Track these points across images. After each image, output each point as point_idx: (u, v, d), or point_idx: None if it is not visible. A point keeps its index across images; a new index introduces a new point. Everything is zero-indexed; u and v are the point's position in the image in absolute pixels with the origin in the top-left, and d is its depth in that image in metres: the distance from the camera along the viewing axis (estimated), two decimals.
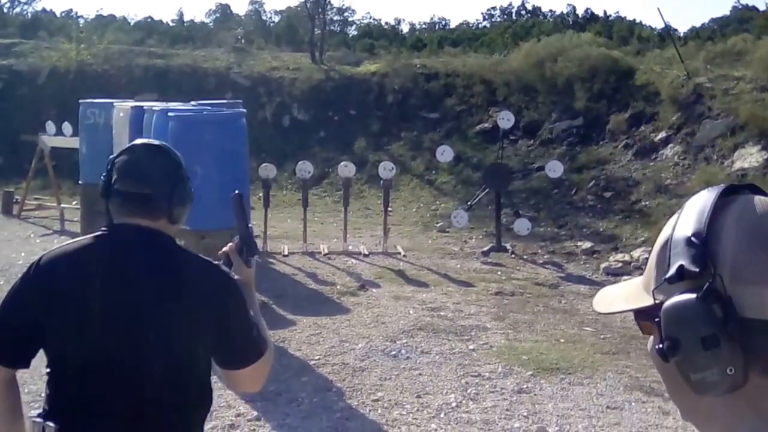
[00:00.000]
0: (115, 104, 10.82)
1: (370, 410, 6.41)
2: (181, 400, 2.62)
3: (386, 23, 34.43)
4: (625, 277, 10.94)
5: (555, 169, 12.93)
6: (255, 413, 6.31)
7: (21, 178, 16.44)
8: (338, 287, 10.25)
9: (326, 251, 12.12)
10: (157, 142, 2.84)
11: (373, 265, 11.43)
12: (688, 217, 1.16)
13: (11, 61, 21.50)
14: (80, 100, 11.92)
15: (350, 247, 12.34)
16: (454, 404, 6.51)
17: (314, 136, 18.76)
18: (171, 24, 34.78)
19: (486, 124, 17.62)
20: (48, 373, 2.77)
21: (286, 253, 12.01)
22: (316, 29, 23.14)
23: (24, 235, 13.33)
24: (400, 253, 12.11)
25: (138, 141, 2.87)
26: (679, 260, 1.12)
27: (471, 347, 7.91)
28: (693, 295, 1.09)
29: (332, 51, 23.97)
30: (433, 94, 18.94)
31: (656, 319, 1.14)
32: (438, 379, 7.05)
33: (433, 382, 6.99)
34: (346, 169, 12.68)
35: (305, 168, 12.69)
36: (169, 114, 8.32)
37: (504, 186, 13.00)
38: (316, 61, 21.37)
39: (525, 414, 6.35)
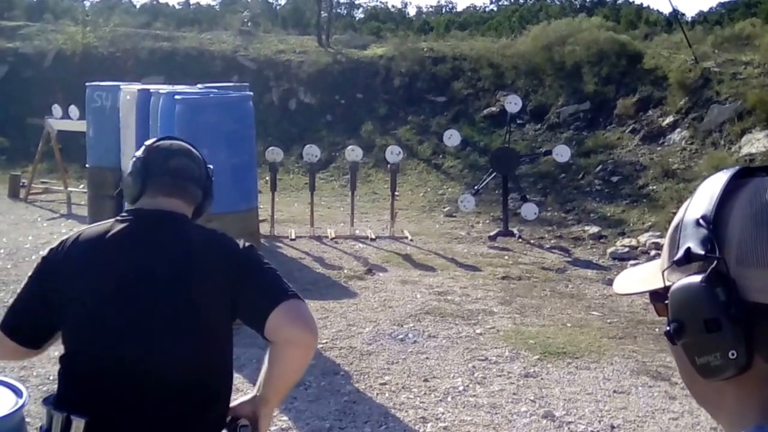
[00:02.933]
0: (121, 87, 10.81)
1: (377, 394, 6.43)
2: (207, 386, 2.62)
3: (393, 6, 34.46)
4: (631, 262, 10.95)
5: (562, 153, 12.92)
6: None
7: (28, 161, 16.45)
8: (345, 271, 10.27)
9: (333, 235, 12.13)
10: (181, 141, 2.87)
11: (380, 250, 11.44)
12: (700, 199, 1.16)
13: (17, 44, 21.49)
14: (87, 84, 11.90)
15: (357, 232, 12.35)
16: (461, 388, 6.52)
17: (321, 119, 18.76)
18: (177, 7, 34.73)
19: (493, 108, 17.60)
20: (63, 358, 2.76)
21: (293, 237, 12.03)
22: (322, 12, 23.09)
23: (31, 218, 13.36)
24: (407, 238, 12.12)
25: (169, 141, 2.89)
26: (688, 242, 1.13)
27: (478, 331, 7.93)
28: (698, 278, 1.10)
29: (339, 34, 23.93)
30: (440, 78, 18.91)
31: (666, 301, 1.14)
32: (445, 363, 7.07)
33: (440, 366, 7.01)
34: (353, 153, 12.68)
35: (312, 152, 12.68)
36: (176, 97, 8.32)
37: (511, 170, 12.99)
38: (322, 44, 21.33)
39: (532, 398, 6.37)
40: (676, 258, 1.14)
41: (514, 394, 6.45)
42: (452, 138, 13.19)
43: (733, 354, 1.08)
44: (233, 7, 32.95)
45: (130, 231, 2.65)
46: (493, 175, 13.13)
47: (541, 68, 17.80)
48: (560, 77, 17.43)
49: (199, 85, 11.02)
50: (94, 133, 11.55)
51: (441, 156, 16.94)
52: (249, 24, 27.96)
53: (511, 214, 12.78)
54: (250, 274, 2.61)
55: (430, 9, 35.32)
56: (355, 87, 19.27)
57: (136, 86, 10.68)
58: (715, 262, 1.09)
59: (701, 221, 1.13)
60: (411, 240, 12.02)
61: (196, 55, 20.84)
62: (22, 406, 3.26)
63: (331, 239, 11.98)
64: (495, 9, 32.80)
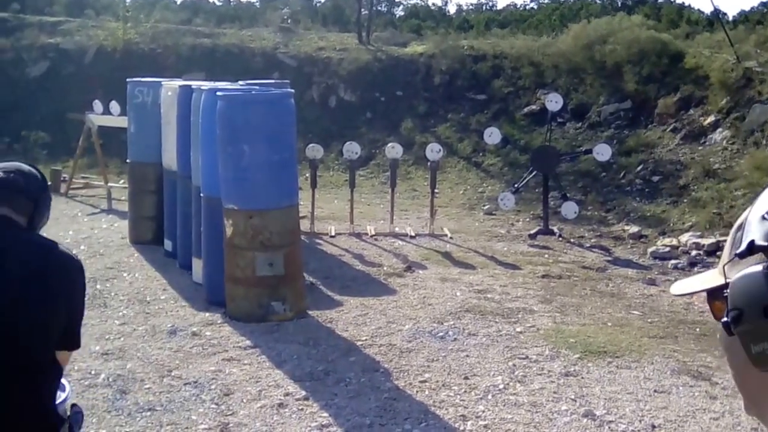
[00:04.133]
0: (163, 83, 10.87)
1: (417, 391, 6.46)
2: (27, 373, 2.82)
3: (433, 4, 34.34)
4: (672, 261, 10.90)
5: (603, 152, 12.86)
6: (303, 393, 6.37)
7: (68, 156, 16.61)
8: (385, 268, 10.30)
9: (373, 232, 12.16)
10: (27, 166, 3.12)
11: (419, 247, 11.46)
12: (764, 197, 1.20)
13: (58, 39, 21.66)
14: (128, 79, 11.98)
15: (397, 229, 12.37)
16: (501, 386, 6.53)
17: (361, 117, 18.78)
18: (218, 3, 34.86)
19: (534, 107, 17.54)
20: None
21: (333, 233, 12.07)
22: (363, 10, 23.11)
23: (71, 213, 13.50)
24: (446, 235, 12.13)
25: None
26: (751, 236, 1.16)
27: (518, 329, 7.92)
28: (759, 267, 1.12)
29: (379, 32, 23.93)
30: (480, 76, 18.87)
31: (725, 294, 1.16)
32: (485, 361, 7.08)
33: (480, 364, 7.02)
34: (394, 150, 12.69)
35: (352, 149, 12.72)
36: (218, 93, 8.36)
37: (552, 169, 12.96)
38: (363, 41, 21.35)
39: (572, 397, 6.37)
40: (738, 251, 1.16)
41: (554, 392, 6.45)
42: (493, 136, 13.17)
43: None
44: (273, 4, 33.04)
45: None
46: (533, 173, 13.10)
47: (581, 67, 17.72)
48: (601, 76, 17.34)
49: (240, 82, 11.06)
50: (135, 129, 11.63)
51: (481, 154, 16.92)
52: (289, 21, 28.02)
53: (551, 213, 12.75)
54: (76, 301, 3.07)
55: (470, 7, 35.24)
56: (395, 84, 19.28)
57: (178, 82, 10.73)
58: None
59: (765, 216, 1.16)
60: (450, 238, 12.03)
61: (237, 52, 20.93)
62: (65, 400, 3.32)
63: (371, 236, 12.01)
64: (535, 7, 32.64)
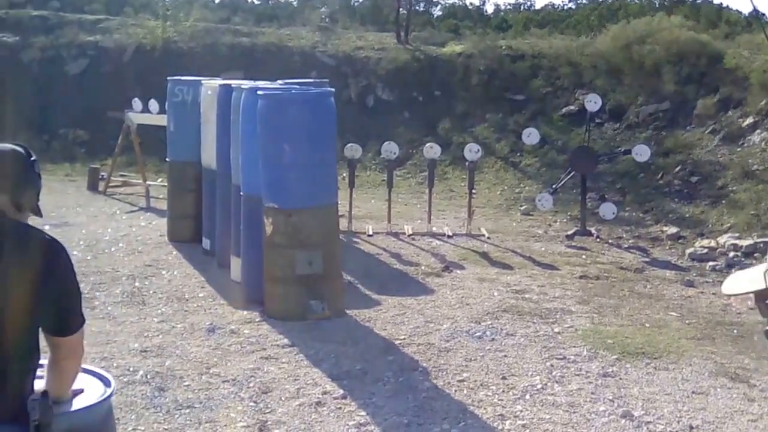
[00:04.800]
0: (203, 82, 10.93)
1: (455, 390, 6.46)
2: (6, 359, 2.84)
3: (471, 4, 34.15)
4: (710, 263, 10.83)
5: (642, 153, 12.79)
6: (341, 391, 6.39)
7: (107, 154, 16.75)
8: (422, 268, 10.30)
9: (410, 232, 12.17)
10: (15, 147, 3.11)
11: (457, 247, 11.46)
12: None
13: (97, 37, 21.81)
14: (168, 78, 12.05)
15: (434, 229, 12.37)
16: (539, 386, 6.52)
17: (398, 116, 18.78)
18: (256, 2, 34.97)
19: (572, 107, 17.48)
20: None
21: (370, 233, 12.10)
22: (401, 9, 23.11)
23: (110, 211, 13.62)
24: (484, 235, 12.11)
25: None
26: None
27: (556, 330, 7.91)
28: None
29: (417, 31, 23.91)
30: (518, 76, 18.82)
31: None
32: (523, 361, 7.07)
33: (518, 364, 7.01)
34: (432, 150, 12.69)
35: (391, 149, 12.73)
36: (258, 92, 8.40)
37: (590, 169, 12.91)
38: (401, 41, 21.34)
39: (610, 397, 6.34)
40: None
41: (592, 393, 6.43)
42: (531, 136, 13.14)
43: None
44: (311, 3, 33.11)
45: None
46: (571, 174, 13.05)
47: (620, 67, 17.62)
48: (639, 76, 17.24)
49: (280, 81, 11.09)
50: (174, 128, 11.68)
51: (518, 154, 16.88)
52: (327, 20, 28.08)
53: (589, 214, 12.69)
54: (58, 284, 3.04)
55: (508, 7, 35.08)
56: (433, 84, 19.27)
57: (218, 81, 10.79)
58: None
59: None
60: (488, 238, 12.01)
61: (275, 51, 20.99)
62: (110, 395, 3.36)
63: (408, 236, 12.02)
64: (573, 7, 32.46)
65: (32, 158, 3.08)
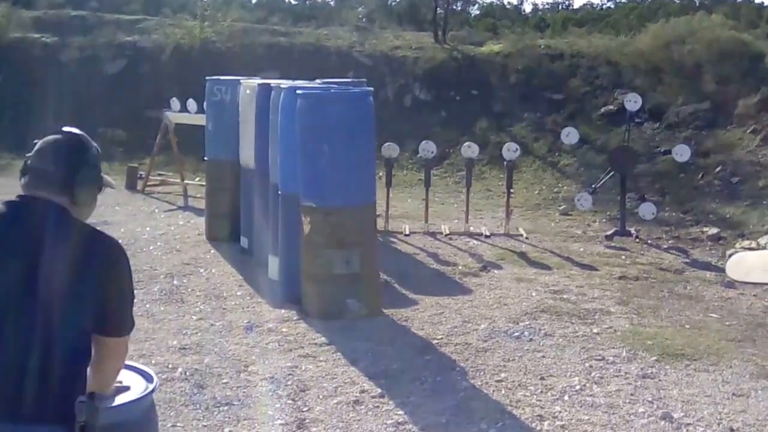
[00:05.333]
0: (241, 82, 10.96)
1: (493, 391, 6.44)
2: (58, 359, 2.84)
3: (509, 3, 34.07)
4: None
5: (682, 153, 12.68)
6: (379, 390, 6.39)
7: (145, 153, 16.83)
8: (460, 268, 10.27)
9: (447, 231, 12.14)
10: (76, 131, 3.12)
11: (494, 247, 11.41)
12: None
13: (135, 37, 21.93)
14: (207, 78, 12.10)
15: (471, 228, 12.33)
16: (578, 387, 6.48)
17: (435, 116, 18.73)
18: (293, 2, 35.08)
19: (611, 106, 17.36)
20: None
21: (407, 232, 12.08)
22: (438, 9, 23.06)
23: (148, 210, 13.70)
24: (522, 235, 12.05)
25: (65, 128, 3.14)
26: None
27: (595, 331, 7.85)
28: None
29: (455, 31, 23.86)
30: (557, 75, 18.71)
31: None
32: (561, 362, 7.03)
33: (556, 365, 6.97)
34: (470, 149, 12.65)
35: (428, 148, 12.71)
36: (298, 92, 8.42)
37: (630, 169, 12.81)
38: (438, 40, 21.30)
39: (650, 399, 6.30)
40: None
41: (631, 394, 6.39)
42: (570, 136, 13.07)
43: None
44: (349, 3, 33.15)
45: (11, 216, 3.02)
46: (611, 174, 12.95)
47: (660, 66, 17.49)
48: (679, 76, 17.10)
49: (318, 81, 11.11)
50: (213, 127, 11.73)
51: (557, 154, 16.79)
52: (364, 20, 28.09)
53: (628, 214, 12.59)
54: (112, 286, 3.06)
55: (546, 6, 34.97)
56: (471, 83, 19.20)
57: (256, 81, 10.81)
58: None
59: None
60: (526, 238, 11.95)
61: (312, 51, 21.01)
62: (153, 390, 3.38)
63: (446, 235, 11.99)
64: (612, 6, 32.30)
65: (86, 148, 3.06)
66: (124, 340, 3.08)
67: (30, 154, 3.01)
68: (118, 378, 3.26)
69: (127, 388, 3.33)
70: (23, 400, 2.80)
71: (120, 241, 3.12)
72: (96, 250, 2.96)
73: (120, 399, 3.26)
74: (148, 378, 3.46)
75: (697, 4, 26.28)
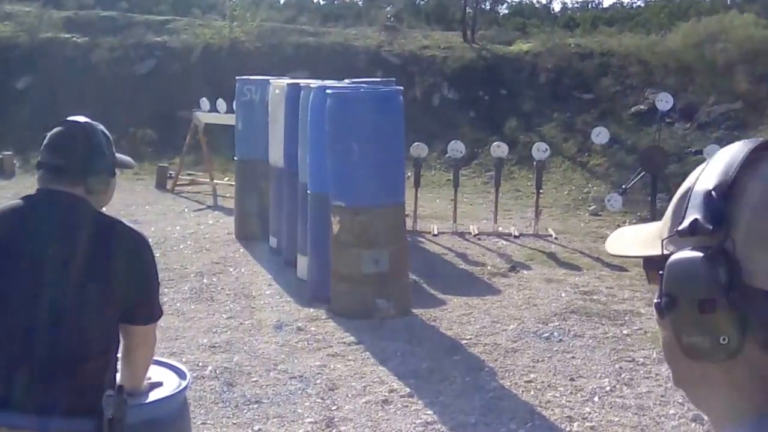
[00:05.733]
0: (271, 81, 10.99)
1: (522, 391, 6.41)
2: (84, 351, 2.89)
3: (538, 2, 33.88)
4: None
5: (714, 153, 12.56)
6: (408, 390, 6.38)
7: (175, 153, 16.91)
8: (488, 268, 10.24)
9: (476, 232, 12.10)
10: (81, 119, 3.11)
11: (523, 247, 11.36)
12: (714, 168, 1.08)
13: (165, 38, 22.01)
14: (236, 77, 12.14)
15: (500, 228, 12.28)
16: (608, 388, 6.45)
17: (464, 116, 18.68)
18: (321, 2, 35.09)
19: (641, 106, 17.24)
20: None
21: (435, 232, 12.05)
22: (467, 8, 23.01)
23: (178, 209, 13.75)
24: (551, 236, 11.99)
25: (69, 118, 3.14)
26: (695, 214, 1.05)
27: (625, 332, 7.80)
28: (700, 254, 1.03)
29: (484, 30, 23.79)
30: (587, 74, 18.61)
31: (660, 272, 1.07)
32: (591, 363, 6.99)
33: (586, 366, 6.93)
34: (499, 149, 12.61)
35: (457, 147, 12.68)
36: (327, 91, 8.43)
37: (661, 170, 12.72)
38: (467, 40, 21.24)
39: (680, 401, 6.24)
40: (680, 228, 1.07)
41: (662, 396, 6.34)
42: (600, 135, 13.00)
43: (724, 339, 1.02)
44: (377, 2, 33.12)
45: (30, 209, 3.09)
46: (641, 174, 12.86)
47: (691, 66, 17.36)
48: (711, 75, 16.97)
49: (347, 80, 11.12)
50: (242, 127, 11.77)
51: (586, 154, 16.70)
52: (393, 20, 28.07)
53: (658, 214, 12.45)
54: (137, 276, 3.13)
55: (576, 5, 34.73)
56: (500, 83, 19.14)
57: (286, 80, 10.84)
58: (723, 239, 1.03)
59: (713, 192, 1.05)
60: (555, 238, 11.89)
61: (341, 51, 21.01)
62: (186, 387, 3.39)
63: (474, 236, 11.95)
64: (642, 5, 32.08)
65: (91, 136, 3.06)
66: (152, 327, 3.12)
67: (41, 149, 3.04)
68: (150, 374, 3.28)
69: (160, 384, 3.34)
70: (52, 393, 2.81)
71: (150, 240, 3.13)
72: (117, 239, 2.99)
73: (154, 395, 3.28)
74: (181, 375, 3.47)
75: (729, 3, 26.07)
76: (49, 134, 3.06)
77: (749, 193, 1.04)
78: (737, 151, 1.08)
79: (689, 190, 1.09)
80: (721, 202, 1.04)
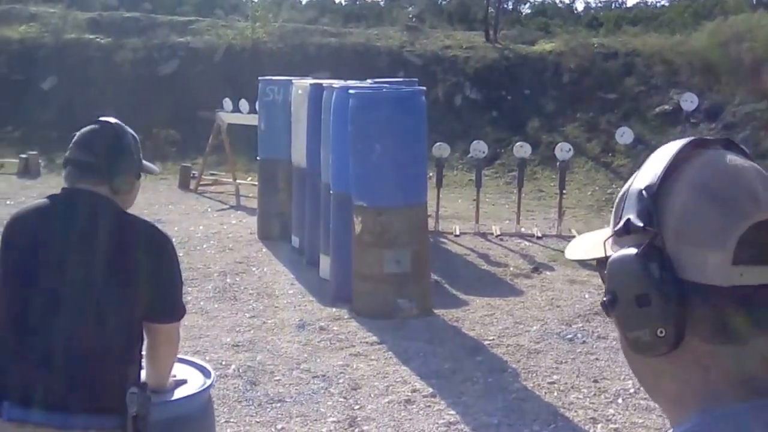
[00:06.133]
0: (294, 82, 11.01)
1: (545, 392, 6.39)
2: (108, 348, 2.90)
3: (560, 2, 33.78)
4: None
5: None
6: (430, 390, 6.37)
7: (198, 153, 16.95)
8: (511, 269, 10.21)
9: (498, 232, 12.07)
10: (111, 120, 3.15)
11: (546, 248, 11.32)
12: (647, 168, 1.14)
13: (188, 38, 22.08)
14: (259, 78, 12.16)
15: (523, 229, 12.25)
16: (632, 390, 6.40)
17: (486, 116, 18.63)
18: (343, 3, 35.09)
19: (666, 106, 17.15)
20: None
21: (457, 233, 12.03)
22: (489, 8, 22.97)
23: (201, 209, 13.79)
24: (574, 237, 11.87)
25: (100, 118, 3.19)
26: (629, 213, 1.11)
27: None
28: (633, 251, 1.08)
29: (506, 30, 23.73)
30: (610, 74, 18.52)
31: (606, 271, 1.13)
32: (615, 365, 6.95)
33: (610, 368, 6.90)
34: (522, 149, 12.56)
35: (480, 147, 12.65)
36: (350, 92, 8.43)
37: None
38: (489, 40, 21.19)
39: None
40: (616, 228, 1.13)
41: None
42: (625, 136, 12.95)
43: (661, 332, 1.07)
44: (399, 3, 33.10)
45: (57, 208, 3.13)
46: None
47: (716, 65, 17.25)
48: (737, 75, 16.85)
49: (369, 81, 11.12)
50: (265, 127, 11.79)
51: (610, 154, 16.62)
52: (415, 20, 28.05)
53: None
54: (160, 274, 3.13)
55: (599, 4, 34.61)
56: (522, 83, 19.08)
57: (308, 81, 10.85)
58: (653, 236, 1.08)
59: (644, 192, 1.11)
60: None
61: (363, 51, 21.00)
62: (210, 385, 3.40)
63: (496, 236, 11.92)
64: (666, 4, 31.93)
65: (120, 137, 3.10)
66: (176, 326, 3.13)
67: (70, 146, 3.07)
68: (175, 372, 3.29)
69: (184, 382, 3.35)
70: (75, 390, 2.82)
71: (173, 239, 3.14)
72: (141, 238, 3.01)
73: (179, 393, 3.29)
74: (205, 373, 3.48)
75: (755, 3, 25.91)
76: (79, 132, 3.09)
77: (678, 190, 1.10)
78: (668, 151, 1.13)
79: (626, 192, 1.15)
80: (651, 201, 1.10)
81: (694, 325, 1.07)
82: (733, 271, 1.05)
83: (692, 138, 1.14)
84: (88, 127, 3.10)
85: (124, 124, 3.15)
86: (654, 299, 1.07)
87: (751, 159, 1.13)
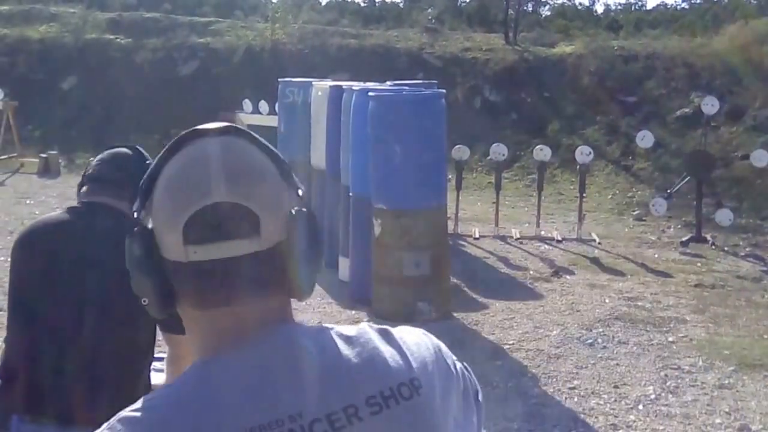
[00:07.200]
0: (313, 84, 10.99)
1: (566, 398, 6.35)
2: (119, 363, 2.91)
3: (580, 4, 33.71)
4: None
5: (761, 158, 12.38)
6: None
7: None
8: (531, 272, 10.16)
9: (518, 235, 12.02)
10: (136, 146, 3.22)
11: (566, 252, 11.26)
12: (158, 156, 1.31)
13: (208, 39, 22.12)
14: (279, 79, 12.15)
15: (543, 233, 12.19)
16: (653, 396, 6.36)
17: (506, 118, 18.58)
18: (363, 4, 35.10)
19: (687, 109, 17.04)
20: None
21: (476, 236, 11.99)
22: (509, 10, 22.91)
23: None
24: (594, 241, 11.87)
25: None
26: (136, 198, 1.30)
27: (670, 339, 7.70)
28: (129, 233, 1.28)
29: (526, 32, 23.66)
30: (631, 77, 18.42)
31: None
32: (636, 370, 6.91)
33: (630, 373, 6.85)
34: (542, 152, 12.50)
35: (499, 150, 12.60)
36: (370, 94, 8.41)
37: (706, 174, 12.54)
38: (509, 42, 21.13)
39: (727, 410, 6.15)
40: (134, 209, 1.30)
41: (708, 405, 6.24)
42: (645, 139, 12.87)
43: (145, 301, 1.29)
44: (418, 4, 33.08)
45: (76, 222, 3.15)
46: (686, 179, 12.70)
47: (738, 69, 17.14)
48: (758, 78, 16.73)
49: (389, 82, 11.09)
50: (285, 128, 11.78)
51: (630, 157, 16.53)
52: (434, 21, 28.01)
53: (704, 220, 12.32)
54: None
55: (619, 7, 34.49)
56: (542, 85, 19.01)
57: (328, 83, 10.83)
58: (145, 219, 1.28)
59: (146, 178, 1.29)
60: (599, 243, 11.76)
61: (382, 53, 20.99)
62: None
63: (516, 239, 11.87)
64: (687, 7, 31.79)
65: (145, 158, 3.14)
66: None
67: (89, 166, 3.11)
68: None
69: None
70: (99, 407, 2.80)
71: None
72: None
73: None
74: None
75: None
76: (105, 152, 3.13)
77: (162, 178, 1.27)
78: (174, 141, 1.31)
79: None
80: (146, 187, 1.28)
81: (183, 294, 1.26)
82: (187, 250, 1.22)
83: (193, 128, 1.31)
84: (114, 149, 3.15)
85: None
86: (135, 274, 1.27)
87: (259, 144, 1.37)
